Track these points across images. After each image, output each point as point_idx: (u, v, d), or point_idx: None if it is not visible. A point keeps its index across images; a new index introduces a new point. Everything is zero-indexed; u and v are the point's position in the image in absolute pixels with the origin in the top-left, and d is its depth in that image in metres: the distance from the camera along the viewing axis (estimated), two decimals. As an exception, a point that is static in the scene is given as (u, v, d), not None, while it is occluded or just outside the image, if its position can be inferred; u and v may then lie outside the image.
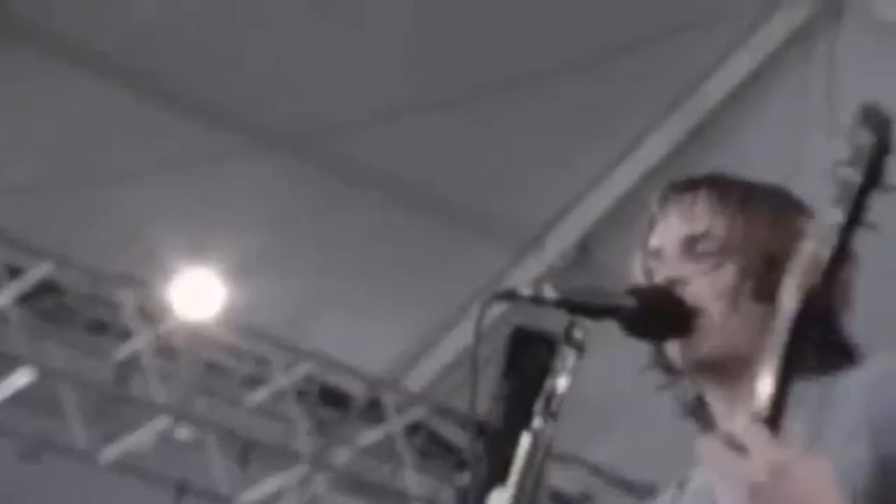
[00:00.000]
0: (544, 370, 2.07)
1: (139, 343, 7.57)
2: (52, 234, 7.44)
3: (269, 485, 7.99)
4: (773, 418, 1.67)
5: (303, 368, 8.11)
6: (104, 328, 7.69)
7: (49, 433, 7.39)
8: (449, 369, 8.61)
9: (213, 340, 7.95)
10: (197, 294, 7.65)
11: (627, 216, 8.05)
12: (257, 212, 7.84)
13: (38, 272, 7.37)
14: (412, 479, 8.26)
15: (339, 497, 8.41)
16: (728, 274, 2.09)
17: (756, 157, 7.68)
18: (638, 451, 8.14)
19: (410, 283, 8.41)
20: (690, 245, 2.12)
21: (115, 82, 7.38)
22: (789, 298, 1.68)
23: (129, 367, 7.69)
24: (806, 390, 1.96)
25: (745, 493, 1.63)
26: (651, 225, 2.19)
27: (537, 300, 2.03)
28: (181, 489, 7.60)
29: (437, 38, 7.66)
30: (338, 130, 7.72)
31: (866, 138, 1.65)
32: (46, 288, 7.51)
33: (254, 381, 8.11)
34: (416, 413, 8.39)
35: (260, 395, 8.08)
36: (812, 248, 1.66)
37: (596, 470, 8.56)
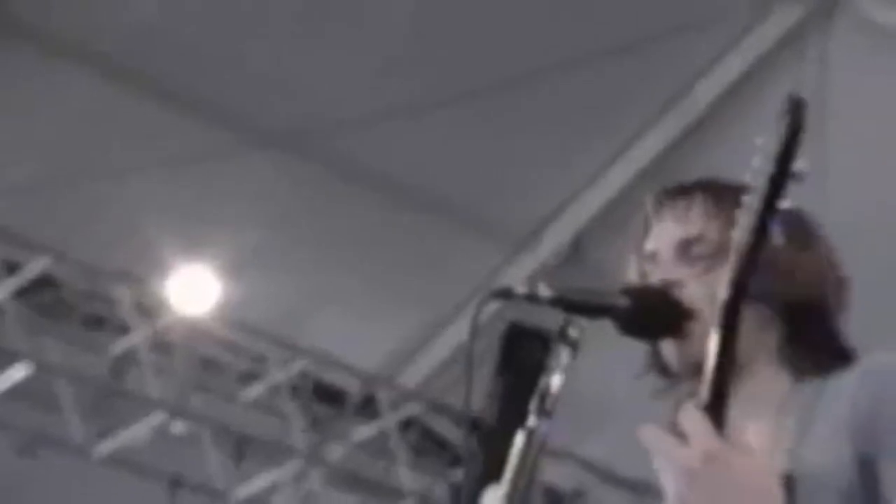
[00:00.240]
0: (538, 366, 2.06)
1: (135, 338, 7.58)
2: (50, 230, 7.44)
3: (264, 480, 8.01)
4: (715, 407, 1.69)
5: (298, 365, 8.12)
6: (101, 323, 7.69)
7: (45, 427, 7.41)
8: (443, 366, 8.63)
9: (209, 336, 7.96)
10: (193, 290, 7.66)
11: (621, 215, 8.07)
12: (254, 209, 7.85)
13: (35, 267, 7.38)
14: (406, 475, 8.28)
15: (334, 492, 8.43)
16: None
17: (749, 157, 7.69)
18: (631, 447, 8.14)
19: (405, 281, 8.43)
20: (685, 248, 2.14)
21: (113, 81, 7.39)
22: (721, 288, 1.74)
23: (126, 362, 7.70)
24: (799, 390, 2.01)
25: (681, 479, 1.67)
26: (646, 228, 2.21)
27: (533, 298, 2.04)
28: (175, 483, 7.62)
29: (433, 39, 7.68)
30: (334, 129, 7.73)
31: (783, 128, 1.73)
32: (44, 283, 7.52)
33: (249, 377, 8.12)
34: (411, 409, 8.40)
35: (255, 391, 8.10)
36: (738, 236, 1.74)
37: (589, 466, 8.60)
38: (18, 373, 7.21)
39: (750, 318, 2.05)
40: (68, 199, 7.47)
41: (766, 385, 2.08)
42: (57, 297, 7.63)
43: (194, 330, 7.77)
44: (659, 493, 2.29)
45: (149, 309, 7.65)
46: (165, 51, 7.43)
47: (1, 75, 7.27)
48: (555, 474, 8.48)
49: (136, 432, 7.56)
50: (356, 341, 8.43)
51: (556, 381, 2.02)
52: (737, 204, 2.10)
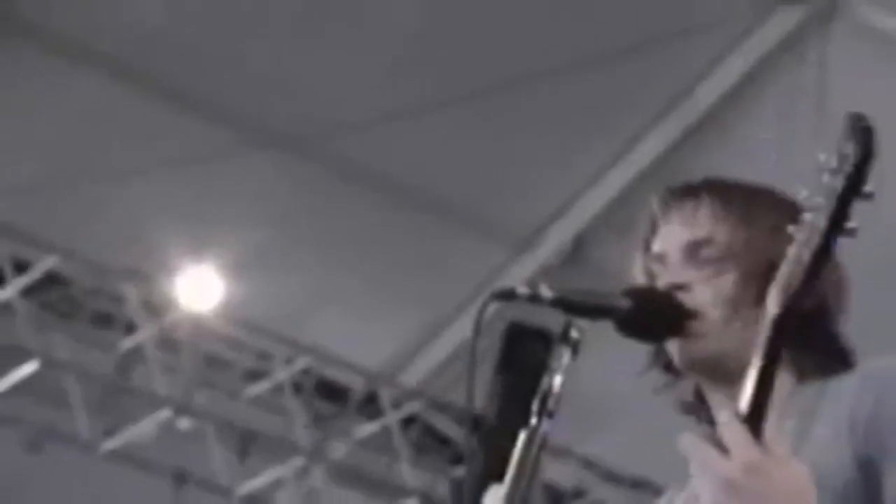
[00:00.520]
0: (538, 365, 2.05)
1: (142, 336, 7.61)
2: (58, 229, 7.47)
3: (268, 476, 8.04)
4: (754, 418, 1.68)
5: (302, 363, 8.15)
6: (108, 321, 7.73)
7: (53, 423, 7.44)
8: (445, 365, 8.66)
9: (214, 334, 7.99)
10: (198, 289, 7.69)
11: (622, 216, 8.09)
12: (259, 209, 7.87)
13: (43, 266, 7.42)
14: (408, 472, 8.31)
15: (336, 489, 8.44)
16: (730, 280, 2.11)
17: (749, 158, 7.73)
18: (631, 446, 8.19)
19: (407, 280, 8.44)
20: (693, 251, 2.13)
21: (119, 81, 7.41)
22: (772, 302, 1.71)
23: (132, 359, 7.74)
24: (800, 392, 2.02)
25: (721, 490, 1.64)
26: (652, 228, 2.20)
27: (535, 299, 2.02)
28: (180, 479, 7.64)
29: (435, 40, 7.69)
30: (336, 130, 7.74)
31: (851, 147, 1.70)
32: (52, 281, 7.56)
33: (254, 375, 8.16)
34: (412, 407, 8.43)
35: (259, 389, 8.13)
36: (795, 252, 1.70)
37: (589, 464, 8.63)
38: (27, 369, 7.25)
39: (753, 319, 2.03)
40: (75, 198, 7.49)
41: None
42: (65, 295, 7.66)
43: (200, 328, 7.79)
44: (658, 491, 2.30)
45: (155, 307, 7.68)
46: (169, 51, 7.44)
47: (8, 75, 7.29)
48: (555, 473, 8.49)
49: (142, 428, 7.58)
50: (359, 340, 8.45)
51: (557, 381, 2.01)
52: (745, 205, 2.14)
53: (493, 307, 2.01)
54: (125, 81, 7.45)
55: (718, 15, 7.83)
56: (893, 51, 7.62)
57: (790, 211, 2.12)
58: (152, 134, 7.56)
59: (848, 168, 1.68)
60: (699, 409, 2.20)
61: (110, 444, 7.56)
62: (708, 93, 8.14)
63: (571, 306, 2.03)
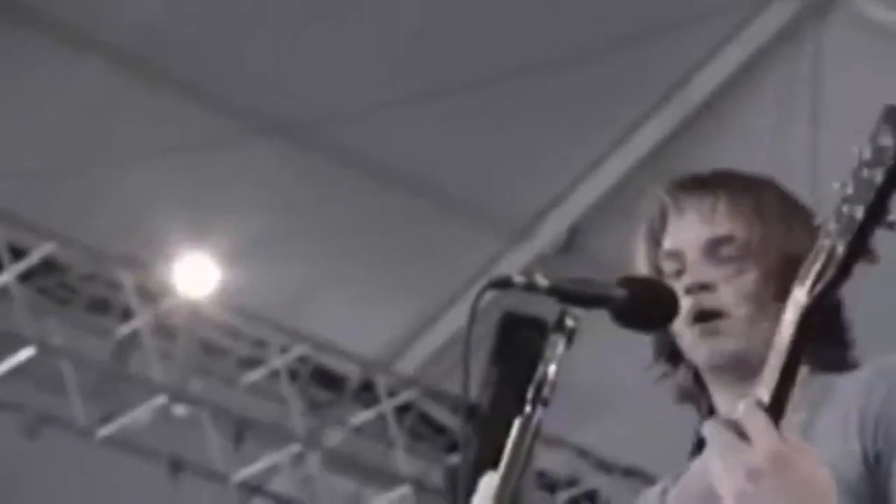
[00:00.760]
0: (532, 354, 2.03)
1: (138, 322, 7.62)
2: (56, 216, 7.48)
3: (263, 462, 8.05)
4: (775, 410, 1.66)
5: (297, 350, 8.17)
6: (104, 307, 7.74)
7: (49, 409, 7.45)
8: (440, 353, 8.68)
9: (210, 321, 8.00)
10: (195, 276, 7.70)
11: (619, 205, 8.10)
12: (256, 197, 7.87)
13: (41, 252, 7.43)
14: (403, 460, 8.33)
15: (331, 476, 8.46)
16: (751, 278, 2.12)
17: (746, 148, 7.75)
18: (625, 435, 8.22)
19: (404, 269, 8.45)
20: (713, 249, 2.14)
21: (119, 69, 7.42)
22: (801, 293, 1.68)
23: (129, 345, 7.75)
24: (809, 384, 2.02)
25: (744, 478, 1.62)
26: (662, 222, 2.20)
27: (531, 288, 2.00)
28: (176, 465, 7.66)
29: (435, 32, 7.69)
30: (334, 118, 7.75)
31: (890, 140, 1.68)
32: (49, 267, 7.57)
33: (250, 362, 8.18)
34: (408, 395, 8.45)
35: (255, 376, 8.15)
36: (829, 244, 1.66)
37: (583, 453, 8.65)
38: (23, 355, 7.26)
39: (773, 315, 2.05)
40: (73, 185, 7.50)
41: None
42: (62, 281, 7.66)
43: (196, 315, 7.80)
44: (651, 481, 2.33)
45: (152, 294, 7.69)
46: (170, 40, 7.44)
47: (9, 63, 7.29)
48: (549, 461, 8.52)
49: (139, 415, 7.59)
50: (355, 328, 8.46)
51: (552, 369, 1.99)
52: (757, 201, 2.15)
53: (489, 296, 1.99)
54: (125, 69, 7.46)
55: (716, 5, 7.83)
56: (890, 42, 7.63)
57: (794, 204, 2.20)
58: (151, 121, 7.57)
59: (888, 161, 1.66)
60: (698, 397, 2.22)
61: (107, 430, 7.57)
62: (705, 83, 8.14)
63: (567, 295, 2.01)
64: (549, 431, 7.64)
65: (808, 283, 1.67)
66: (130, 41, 7.40)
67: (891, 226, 1.67)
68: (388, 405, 8.37)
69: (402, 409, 8.47)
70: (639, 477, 8.09)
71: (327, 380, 8.46)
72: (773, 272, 2.12)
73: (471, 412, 7.55)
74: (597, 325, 2.09)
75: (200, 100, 7.60)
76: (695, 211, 2.17)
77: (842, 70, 7.63)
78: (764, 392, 1.68)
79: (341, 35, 7.56)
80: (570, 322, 2.01)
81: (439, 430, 8.63)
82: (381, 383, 8.42)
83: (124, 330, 7.72)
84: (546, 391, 1.98)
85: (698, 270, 2.14)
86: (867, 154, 1.69)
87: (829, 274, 1.66)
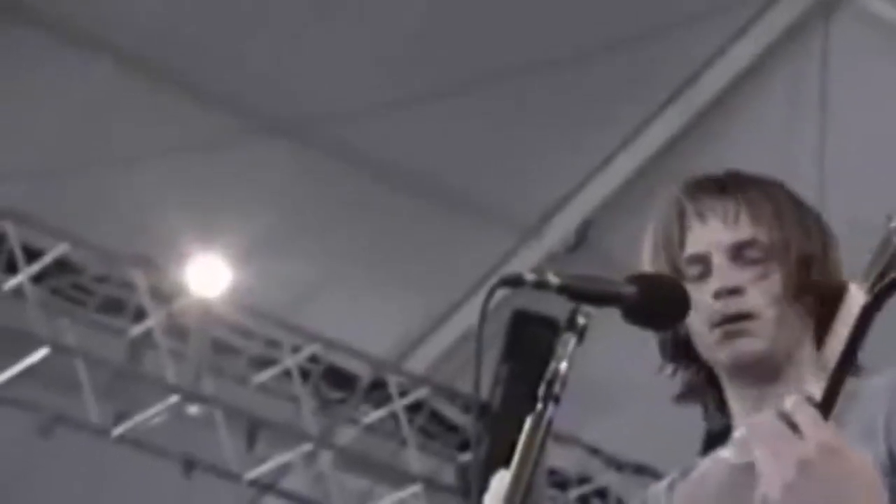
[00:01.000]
0: (543, 352, 2.05)
1: (151, 322, 7.64)
2: (69, 217, 7.49)
3: (275, 461, 8.07)
4: (827, 403, 1.66)
5: (309, 350, 8.19)
6: (117, 307, 7.76)
7: (63, 409, 7.46)
8: (452, 352, 8.69)
9: (222, 321, 8.02)
10: (206, 276, 7.72)
11: (629, 203, 8.12)
12: (267, 197, 7.88)
13: (54, 253, 7.45)
14: (414, 458, 8.34)
15: (343, 474, 8.47)
16: (777, 280, 2.15)
17: (754, 146, 7.75)
18: (637, 432, 8.22)
19: (414, 268, 8.46)
20: (738, 252, 2.17)
21: (126, 70, 7.42)
22: (860, 290, 1.66)
23: (142, 345, 7.78)
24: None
25: (795, 470, 1.61)
26: (682, 227, 2.22)
27: (541, 286, 2.01)
28: (189, 464, 7.67)
29: (442, 28, 7.69)
30: (343, 117, 7.75)
31: None
32: (62, 268, 7.59)
33: (262, 362, 8.19)
34: (419, 394, 8.45)
35: (267, 375, 8.17)
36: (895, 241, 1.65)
37: (595, 451, 8.65)
38: (37, 355, 7.27)
39: (795, 315, 2.15)
40: (85, 186, 7.51)
41: (801, 387, 2.13)
42: (75, 282, 7.68)
43: (208, 315, 7.81)
44: (662, 478, 2.31)
45: (164, 294, 7.71)
46: (175, 40, 7.44)
47: (16, 64, 7.30)
48: (561, 459, 8.52)
49: (152, 414, 7.60)
50: (365, 327, 8.46)
51: (563, 366, 1.98)
52: (775, 204, 2.18)
53: (500, 294, 2.01)
54: (133, 70, 7.46)
55: (724, 3, 7.84)
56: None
57: (806, 207, 2.23)
58: (161, 122, 7.58)
59: None
60: (704, 394, 2.25)
61: (120, 429, 7.59)
62: (714, 81, 8.14)
63: (578, 293, 2.03)
64: (560, 429, 7.65)
65: (870, 281, 1.66)
66: (138, 41, 7.41)
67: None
68: (399, 404, 8.38)
69: (414, 408, 8.48)
70: (649, 474, 8.10)
71: (339, 379, 8.47)
72: (794, 273, 2.15)
73: (482, 410, 7.56)
74: (607, 323, 2.09)
75: (209, 100, 7.61)
76: (717, 216, 2.19)
77: (850, 67, 7.63)
78: (813, 390, 1.68)
79: (347, 34, 7.57)
80: (581, 319, 2.02)
81: (451, 428, 8.64)
82: (393, 382, 8.43)
83: (137, 330, 7.74)
84: (557, 388, 1.99)
85: (726, 275, 2.16)
86: None
87: (893, 273, 1.64)
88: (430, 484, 8.34)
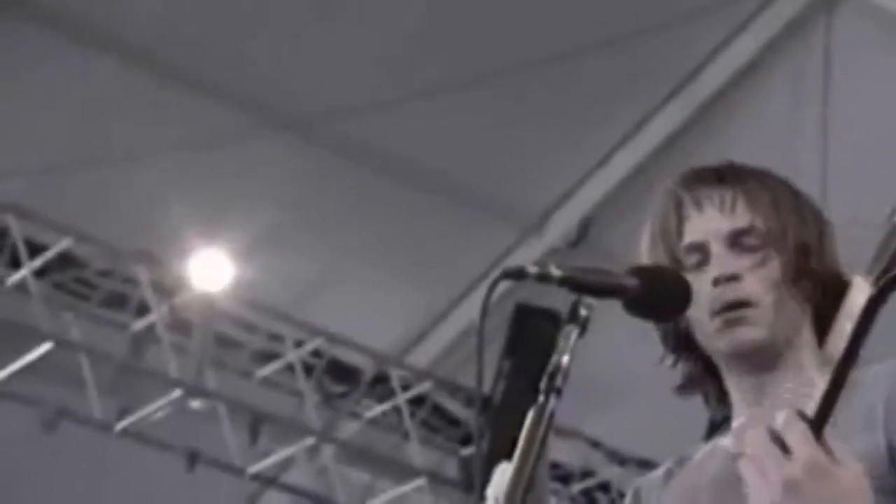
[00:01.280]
0: (545, 346, 2.05)
1: (154, 317, 7.65)
2: (72, 212, 7.49)
3: (278, 455, 8.08)
4: (820, 415, 1.64)
5: (312, 344, 8.20)
6: (121, 302, 7.77)
7: (67, 403, 7.48)
8: (454, 346, 8.70)
9: (226, 316, 8.03)
10: (210, 270, 7.72)
11: (630, 198, 8.12)
12: (269, 191, 7.90)
13: (57, 248, 7.46)
14: (417, 452, 8.36)
15: (346, 468, 8.49)
16: (775, 267, 2.15)
17: (755, 141, 7.76)
18: (639, 426, 8.23)
19: (416, 263, 8.47)
20: (736, 239, 2.17)
21: (131, 66, 7.44)
22: (864, 284, 1.65)
23: (145, 340, 7.79)
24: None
25: (782, 490, 1.60)
26: (680, 217, 2.22)
27: (543, 278, 2.02)
28: (193, 458, 7.69)
29: (445, 24, 7.71)
30: (346, 112, 7.76)
31: None
32: (66, 263, 7.60)
33: (265, 356, 8.21)
34: (422, 388, 8.46)
35: (270, 370, 8.18)
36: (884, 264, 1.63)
37: (597, 445, 8.67)
38: (40, 350, 7.29)
39: (793, 302, 2.15)
40: (88, 181, 7.53)
41: (799, 370, 2.15)
42: (78, 277, 7.68)
43: (211, 309, 7.83)
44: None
45: (167, 288, 7.72)
46: (180, 35, 7.45)
47: (23, 59, 7.31)
48: (563, 452, 8.53)
49: (155, 408, 7.61)
50: (368, 321, 8.47)
51: (565, 358, 1.98)
52: (771, 193, 2.19)
53: (502, 288, 2.01)
54: (136, 67, 7.47)
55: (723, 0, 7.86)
56: (898, 32, 7.64)
57: (803, 197, 2.24)
58: (165, 118, 7.59)
59: None
60: (704, 385, 2.25)
61: (124, 423, 7.60)
62: (715, 76, 8.15)
63: (580, 285, 2.03)
64: (562, 423, 7.66)
65: (874, 275, 1.64)
66: (141, 39, 7.42)
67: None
68: (402, 398, 8.39)
69: (416, 402, 8.49)
70: (652, 468, 8.07)
71: (341, 373, 8.48)
72: (791, 261, 2.16)
73: (484, 404, 7.57)
74: (609, 315, 2.10)
75: (212, 96, 7.62)
76: (714, 204, 2.20)
77: (852, 61, 7.64)
78: (806, 405, 1.65)
79: (349, 31, 7.58)
80: (583, 311, 2.02)
81: (453, 422, 8.65)
82: (395, 376, 8.44)
83: (140, 324, 7.75)
84: (559, 380, 1.99)
85: (724, 262, 2.17)
86: None
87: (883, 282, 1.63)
88: (433, 477, 8.35)
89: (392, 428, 8.52)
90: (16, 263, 7.44)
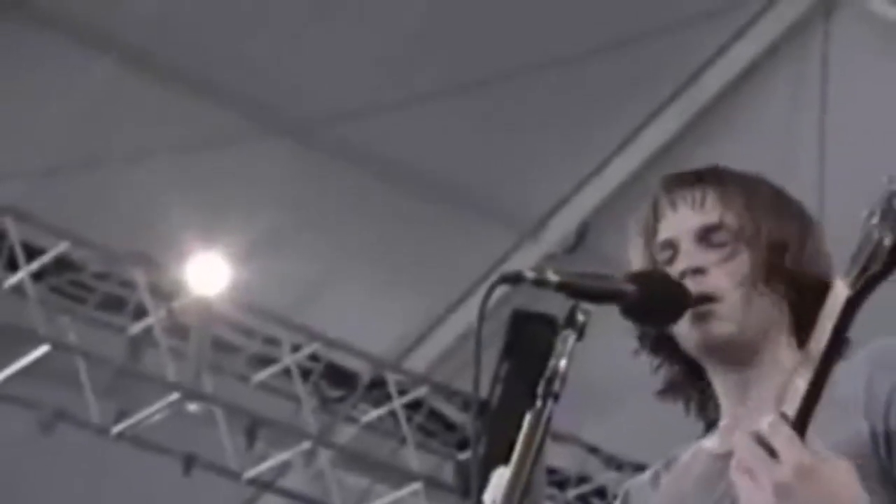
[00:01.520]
0: (542, 351, 2.06)
1: (151, 320, 7.65)
2: (69, 215, 7.50)
3: (275, 459, 8.09)
4: (803, 416, 1.66)
5: (309, 348, 8.20)
6: (118, 305, 7.77)
7: (64, 406, 7.48)
8: (451, 351, 8.71)
9: (223, 319, 8.04)
10: (207, 274, 7.72)
11: (627, 204, 8.09)
12: (267, 195, 7.90)
13: (55, 251, 7.47)
14: (414, 457, 8.36)
15: (343, 473, 8.50)
16: (744, 262, 2.16)
17: (754, 147, 7.77)
18: (636, 432, 8.23)
19: (413, 267, 8.47)
20: (704, 235, 2.18)
21: (129, 67, 7.44)
22: (843, 284, 1.67)
23: (142, 343, 7.79)
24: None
25: (773, 494, 1.62)
26: (656, 216, 2.25)
27: (541, 283, 2.04)
28: (189, 462, 7.69)
29: (444, 29, 7.71)
30: (344, 116, 7.77)
31: None
32: (63, 266, 7.61)
33: (262, 360, 8.21)
34: (419, 393, 8.47)
35: (267, 374, 8.19)
36: (876, 237, 1.65)
37: (594, 450, 8.68)
38: (38, 353, 7.28)
39: (765, 299, 2.15)
40: (85, 184, 7.53)
41: (774, 367, 2.14)
42: (75, 280, 7.69)
43: (208, 313, 7.83)
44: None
45: (164, 292, 7.72)
46: (179, 37, 7.46)
47: (20, 61, 7.31)
48: (559, 457, 8.54)
49: (152, 412, 7.61)
50: (365, 326, 8.48)
51: (562, 363, 2.00)
52: (747, 192, 2.20)
53: (499, 293, 2.02)
54: (134, 69, 7.48)
55: (724, 3, 7.85)
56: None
57: (785, 196, 2.24)
58: (162, 120, 7.59)
59: None
60: (687, 391, 2.26)
61: (121, 426, 7.60)
62: (713, 81, 8.17)
63: (577, 290, 2.05)
64: (560, 428, 7.66)
65: (852, 275, 1.66)
66: (141, 39, 7.42)
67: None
68: (398, 402, 8.40)
69: (413, 406, 8.50)
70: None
71: (338, 377, 8.49)
72: (762, 257, 2.16)
73: (481, 408, 7.58)
74: (605, 321, 2.11)
75: (210, 98, 7.63)
76: (687, 202, 2.22)
77: (849, 67, 7.65)
78: (787, 407, 1.67)
79: (349, 33, 7.58)
80: (580, 317, 2.04)
81: (450, 426, 8.65)
82: (392, 381, 8.45)
83: (137, 328, 7.75)
84: (557, 385, 2.00)
85: (692, 256, 2.18)
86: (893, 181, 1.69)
87: (875, 267, 1.65)
88: (430, 482, 8.35)
89: (389, 432, 8.52)
90: (13, 266, 7.44)
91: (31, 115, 7.48)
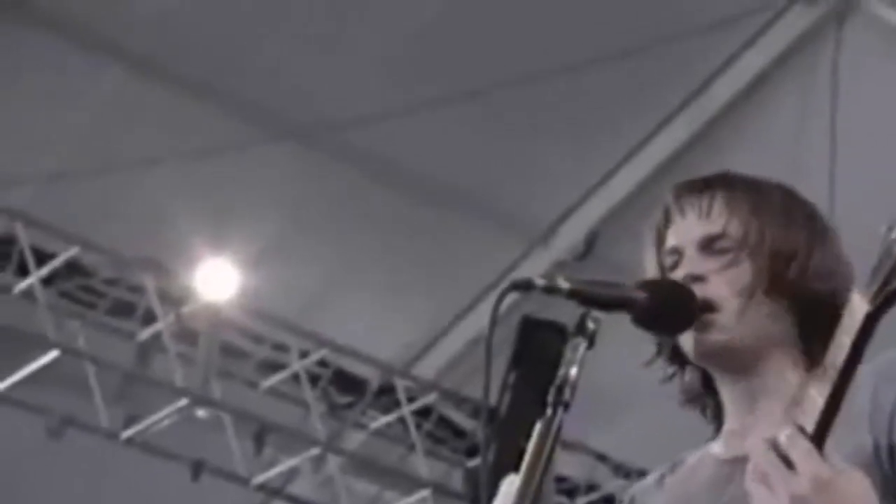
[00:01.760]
0: (551, 358, 2.10)
1: (160, 326, 7.66)
2: (79, 220, 7.51)
3: (284, 465, 8.09)
4: (821, 430, 1.66)
5: (318, 354, 8.20)
6: (127, 311, 7.78)
7: (73, 411, 7.48)
8: (460, 357, 8.70)
9: (232, 325, 8.04)
10: (216, 280, 7.73)
11: (636, 212, 8.11)
12: (276, 201, 7.90)
13: (64, 256, 7.47)
14: (422, 463, 8.35)
15: (351, 479, 8.50)
16: (745, 271, 2.15)
17: (763, 156, 7.76)
18: (644, 439, 8.23)
19: (423, 274, 8.47)
20: (708, 244, 2.18)
21: (138, 74, 7.44)
22: (862, 300, 1.66)
23: (151, 348, 7.80)
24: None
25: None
26: (666, 222, 2.25)
27: (551, 290, 2.06)
28: (198, 468, 7.69)
29: (453, 35, 7.71)
30: (354, 123, 7.78)
31: None
32: (72, 271, 7.62)
33: (270, 366, 8.21)
34: (428, 399, 8.47)
35: (276, 380, 8.19)
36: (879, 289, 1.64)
37: (603, 458, 8.67)
38: (47, 358, 7.29)
39: (765, 310, 2.14)
40: (95, 190, 7.54)
41: (779, 378, 2.14)
42: (85, 285, 7.71)
43: (217, 318, 7.83)
44: None
45: (173, 297, 7.72)
46: (188, 44, 7.46)
47: (28, 67, 7.32)
48: (569, 465, 8.52)
49: (161, 417, 7.62)
50: (374, 332, 8.47)
51: (573, 371, 2.02)
52: (755, 200, 2.19)
53: (509, 300, 2.06)
54: (143, 75, 7.48)
55: (733, 12, 7.85)
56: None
57: (799, 203, 2.23)
58: (171, 126, 7.60)
59: None
60: (703, 399, 2.25)
61: (130, 432, 7.61)
62: (723, 90, 8.16)
63: (588, 298, 2.05)
64: (568, 436, 7.64)
65: (872, 291, 1.65)
66: (148, 47, 7.43)
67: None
68: (407, 409, 8.39)
69: (422, 413, 8.50)
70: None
71: (347, 383, 8.49)
72: (766, 267, 2.15)
73: (491, 415, 7.58)
74: (614, 328, 2.11)
75: (219, 105, 7.63)
76: (695, 210, 2.22)
77: (860, 76, 7.64)
78: (806, 420, 1.66)
79: (358, 39, 7.59)
80: (590, 325, 2.05)
81: (459, 433, 8.65)
82: (401, 387, 8.44)
83: (146, 333, 7.76)
84: (567, 393, 2.03)
85: (693, 263, 2.18)
86: None
87: (895, 283, 1.64)
88: (438, 489, 8.35)
89: (398, 439, 8.52)
90: (23, 271, 7.44)
91: (40, 120, 7.49)
